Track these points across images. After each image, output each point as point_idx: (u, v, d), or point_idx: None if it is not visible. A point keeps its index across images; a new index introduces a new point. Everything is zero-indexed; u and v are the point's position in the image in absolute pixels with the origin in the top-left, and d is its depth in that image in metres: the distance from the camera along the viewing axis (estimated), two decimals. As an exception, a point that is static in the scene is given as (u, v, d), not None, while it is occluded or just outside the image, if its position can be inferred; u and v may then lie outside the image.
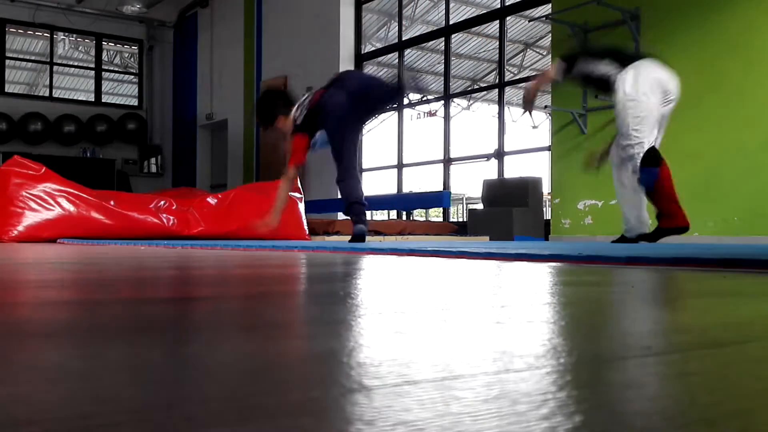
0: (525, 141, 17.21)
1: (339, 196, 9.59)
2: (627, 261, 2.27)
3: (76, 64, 14.11)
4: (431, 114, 17.23)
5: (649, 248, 3.44)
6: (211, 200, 6.68)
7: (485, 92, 15.67)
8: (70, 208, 5.94)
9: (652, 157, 4.36)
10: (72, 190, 6.03)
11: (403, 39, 9.92)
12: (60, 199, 5.92)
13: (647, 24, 6.13)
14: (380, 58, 11.23)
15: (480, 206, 7.92)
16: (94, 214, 6.03)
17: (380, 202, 9.56)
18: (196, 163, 13.20)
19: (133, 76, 13.98)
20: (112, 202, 6.21)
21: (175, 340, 0.69)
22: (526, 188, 7.02)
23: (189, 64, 13.25)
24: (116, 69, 14.30)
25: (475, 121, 19.00)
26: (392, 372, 0.51)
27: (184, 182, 12.98)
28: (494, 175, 7.98)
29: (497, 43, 8.87)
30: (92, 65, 13.45)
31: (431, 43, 11.57)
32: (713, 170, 5.67)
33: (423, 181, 14.70)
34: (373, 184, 11.00)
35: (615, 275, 1.81)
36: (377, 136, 17.08)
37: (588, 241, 6.20)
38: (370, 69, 13.05)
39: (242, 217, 6.41)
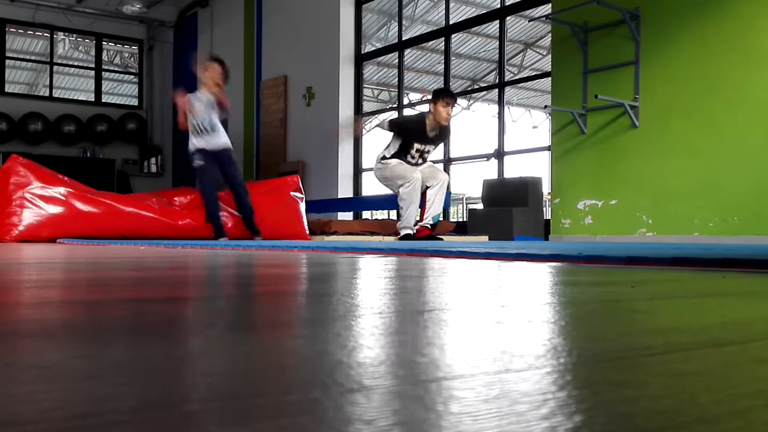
0: (525, 141, 17.24)
1: (339, 196, 9.55)
2: (627, 261, 2.27)
3: (76, 64, 14.12)
4: (431, 114, 17.20)
5: (649, 248, 3.44)
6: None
7: (485, 92, 15.67)
8: (70, 207, 5.92)
9: None
10: (72, 190, 6.02)
11: (403, 39, 9.91)
12: (59, 199, 5.91)
13: (647, 24, 6.14)
14: (380, 58, 11.22)
15: (480, 206, 7.91)
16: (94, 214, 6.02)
17: (380, 202, 9.54)
18: (196, 163, 13.18)
19: (133, 76, 13.98)
20: (112, 202, 6.21)
21: (174, 340, 0.69)
22: (526, 188, 7.02)
23: (189, 64, 13.23)
24: (116, 69, 14.30)
25: (475, 121, 19.02)
26: (392, 372, 0.51)
27: (184, 182, 12.97)
28: (494, 175, 7.98)
29: (497, 43, 8.87)
30: (92, 65, 13.44)
31: (431, 43, 11.57)
32: (713, 170, 5.67)
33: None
34: (373, 184, 10.97)
35: (615, 275, 1.81)
36: (377, 136, 17.07)
37: (588, 241, 6.20)
38: (369, 69, 13.05)
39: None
